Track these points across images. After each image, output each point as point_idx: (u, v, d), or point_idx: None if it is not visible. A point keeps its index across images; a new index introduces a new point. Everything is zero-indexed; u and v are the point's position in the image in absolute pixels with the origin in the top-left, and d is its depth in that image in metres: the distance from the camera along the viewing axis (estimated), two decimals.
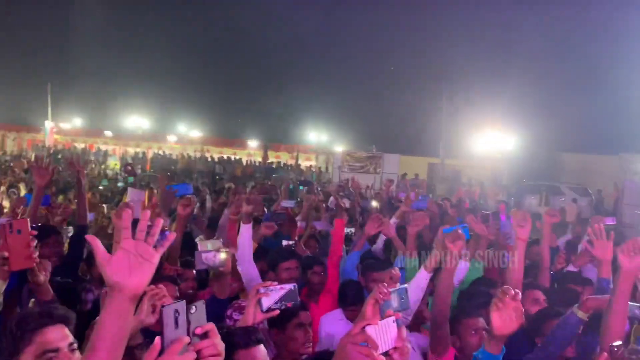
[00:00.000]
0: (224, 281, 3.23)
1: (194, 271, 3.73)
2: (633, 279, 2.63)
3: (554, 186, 21.16)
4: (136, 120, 37.97)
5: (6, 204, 8.24)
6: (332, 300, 4.00)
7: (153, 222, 1.39)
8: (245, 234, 3.80)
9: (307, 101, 40.43)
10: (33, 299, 2.69)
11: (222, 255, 3.05)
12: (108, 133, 37.97)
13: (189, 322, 1.31)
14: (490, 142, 25.70)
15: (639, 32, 27.41)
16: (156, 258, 1.36)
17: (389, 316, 1.61)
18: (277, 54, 44.48)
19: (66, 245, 4.50)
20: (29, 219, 2.49)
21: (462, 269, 4.22)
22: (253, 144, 38.37)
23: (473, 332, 2.96)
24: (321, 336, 3.62)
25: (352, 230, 6.02)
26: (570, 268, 4.57)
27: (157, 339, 1.24)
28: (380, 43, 43.22)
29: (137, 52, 45.19)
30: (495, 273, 4.15)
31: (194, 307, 1.33)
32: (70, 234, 5.24)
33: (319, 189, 10.84)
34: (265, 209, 7.72)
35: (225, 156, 32.81)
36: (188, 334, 1.29)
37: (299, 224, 6.28)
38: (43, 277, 2.52)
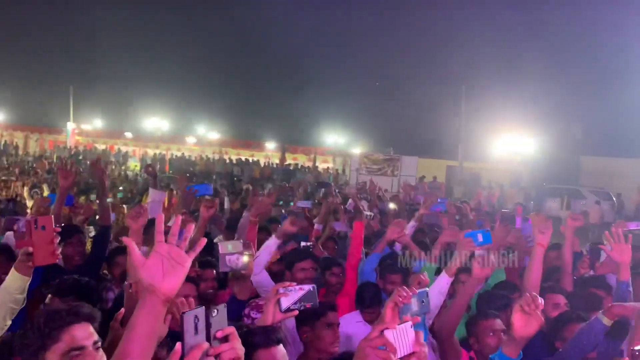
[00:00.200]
0: (246, 283, 3.26)
1: (214, 271, 3.75)
2: None
3: (575, 190, 20.91)
4: (156, 122, 38.35)
5: (29, 203, 8.40)
6: (350, 301, 4.00)
7: (184, 227, 1.42)
8: (271, 247, 3.82)
9: (325, 103, 40.45)
10: (50, 295, 2.74)
11: (245, 258, 3.09)
12: (128, 134, 38.42)
13: (209, 325, 1.32)
14: (509, 144, 25.44)
15: None
16: (188, 262, 1.39)
17: (407, 321, 1.61)
18: (296, 56, 44.57)
19: (87, 245, 4.57)
20: (53, 216, 2.55)
21: None
22: (271, 145, 38.47)
23: (491, 333, 2.99)
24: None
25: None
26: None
27: (178, 344, 1.26)
28: (399, 45, 43.06)
29: (157, 55, 45.72)
30: (517, 277, 4.11)
31: (215, 311, 1.34)
32: (91, 234, 5.33)
33: (337, 191, 10.85)
34: (283, 210, 7.75)
35: (243, 158, 32.98)
36: (209, 337, 1.31)
37: (315, 226, 6.28)
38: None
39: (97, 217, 7.39)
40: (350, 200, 7.30)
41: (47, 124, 36.88)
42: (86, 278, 2.97)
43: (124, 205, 8.92)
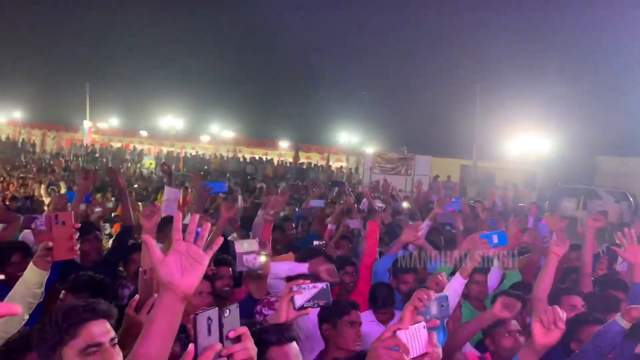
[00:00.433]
0: (262, 283, 3.28)
1: (230, 269, 3.77)
2: None
3: (591, 190, 20.65)
4: (170, 121, 38.64)
5: (46, 201, 8.52)
6: (363, 301, 4.00)
7: (201, 225, 1.44)
8: (299, 270, 3.62)
9: (339, 102, 40.40)
10: (64, 291, 2.77)
11: (263, 258, 3.12)
12: (143, 133, 38.73)
13: (222, 325, 1.32)
14: (524, 144, 25.20)
15: None
16: (206, 260, 1.41)
17: (419, 321, 1.61)
18: (309, 55, 44.57)
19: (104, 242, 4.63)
20: (72, 212, 2.59)
21: (496, 276, 4.18)
22: (284, 144, 38.53)
23: (507, 334, 2.99)
24: None
25: None
26: None
27: (191, 345, 1.27)
28: (413, 43, 42.85)
29: (172, 54, 46.03)
30: (532, 277, 4.08)
31: (227, 311, 1.34)
32: (107, 231, 5.40)
33: (350, 190, 10.84)
34: (296, 208, 7.77)
35: (256, 157, 33.12)
36: (221, 337, 1.31)
37: (328, 226, 6.28)
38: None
39: (113, 214, 7.51)
40: (364, 200, 7.29)
41: (64, 122, 37.30)
42: (101, 275, 3.00)
43: (139, 203, 9.00)
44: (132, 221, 4.36)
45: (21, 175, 13.46)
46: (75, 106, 36.93)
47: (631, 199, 20.26)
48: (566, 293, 3.46)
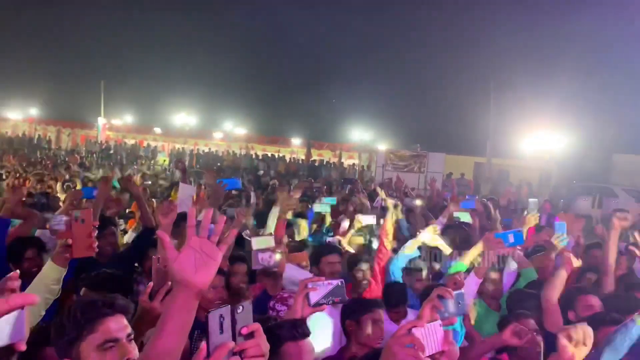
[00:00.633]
0: (278, 280, 3.29)
1: (245, 266, 3.77)
2: None
3: (607, 188, 20.35)
4: (184, 118, 38.86)
5: (62, 197, 8.59)
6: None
7: (215, 221, 1.43)
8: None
9: (351, 99, 40.39)
10: (84, 288, 2.80)
11: (278, 257, 3.14)
12: (157, 130, 38.99)
13: (235, 322, 1.31)
14: (539, 141, 24.94)
15: None
16: (220, 256, 1.40)
17: (436, 319, 1.60)
18: (322, 52, 44.59)
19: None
20: (92, 210, 2.61)
21: (511, 275, 4.15)
22: (297, 141, 38.55)
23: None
24: None
25: None
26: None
27: (203, 344, 1.27)
28: (427, 40, 42.64)
29: (186, 52, 46.35)
30: (549, 276, 4.04)
31: (240, 307, 1.33)
32: (122, 227, 5.44)
33: (363, 188, 10.80)
34: (309, 205, 7.76)
35: (269, 154, 33.14)
36: (234, 334, 1.31)
37: (342, 224, 6.26)
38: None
39: (128, 210, 7.57)
40: (378, 198, 7.27)
41: (78, 118, 37.71)
42: (119, 272, 3.03)
43: (153, 200, 9.05)
44: (152, 222, 4.33)
45: (37, 171, 13.58)
46: (90, 103, 37.37)
47: None
48: (582, 293, 3.42)
